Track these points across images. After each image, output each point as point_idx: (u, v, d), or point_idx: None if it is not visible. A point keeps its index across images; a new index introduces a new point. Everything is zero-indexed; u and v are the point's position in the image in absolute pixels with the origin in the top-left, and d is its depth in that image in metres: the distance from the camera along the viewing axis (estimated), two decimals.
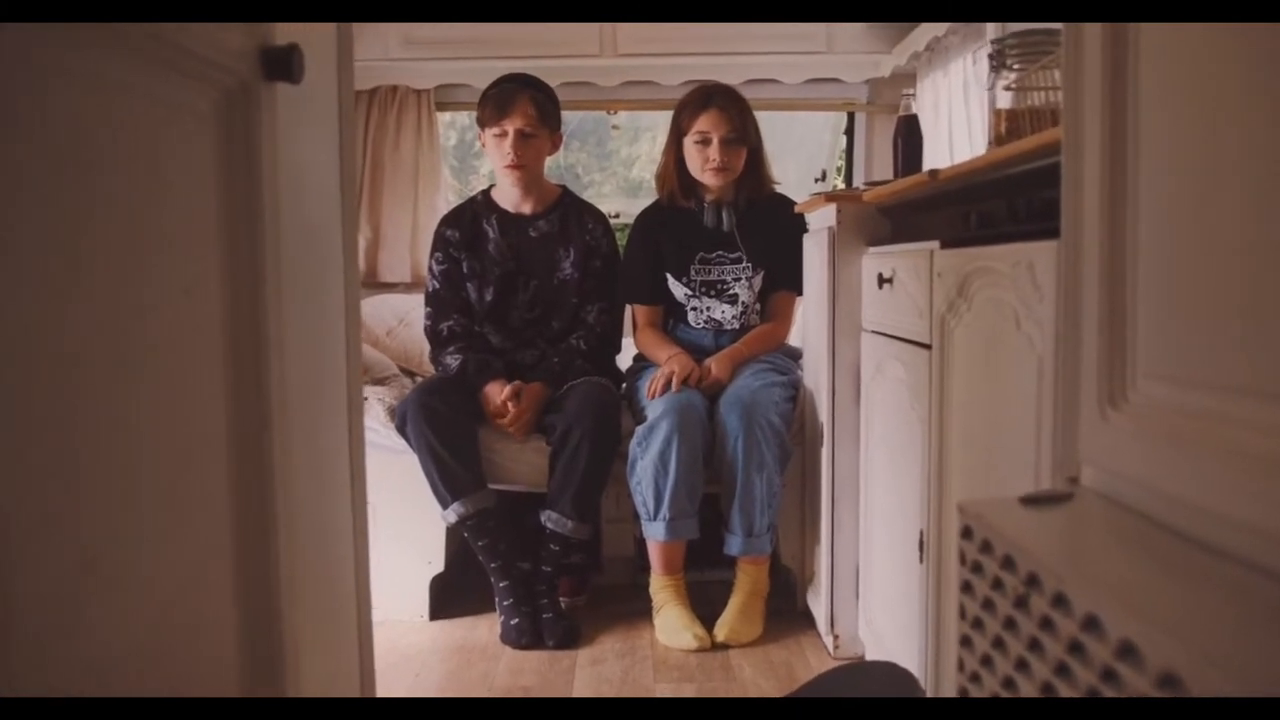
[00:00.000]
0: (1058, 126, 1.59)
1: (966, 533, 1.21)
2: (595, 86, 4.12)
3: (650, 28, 3.89)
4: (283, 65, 1.15)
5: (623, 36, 3.91)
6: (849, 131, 4.39)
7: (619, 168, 6.35)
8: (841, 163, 4.67)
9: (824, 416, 2.56)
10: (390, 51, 3.93)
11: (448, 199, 4.09)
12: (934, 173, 1.85)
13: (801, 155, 4.84)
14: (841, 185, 4.65)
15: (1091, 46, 1.14)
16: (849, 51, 3.97)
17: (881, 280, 2.16)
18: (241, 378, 1.10)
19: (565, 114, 5.40)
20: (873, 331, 2.33)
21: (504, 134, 2.85)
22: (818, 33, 3.93)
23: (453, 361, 2.88)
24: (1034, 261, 1.40)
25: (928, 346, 1.90)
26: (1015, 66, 1.72)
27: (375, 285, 4.16)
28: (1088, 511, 1.18)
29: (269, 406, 1.14)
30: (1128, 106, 1.08)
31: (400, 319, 3.65)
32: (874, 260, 2.31)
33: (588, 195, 5.78)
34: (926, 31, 3.53)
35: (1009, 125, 1.71)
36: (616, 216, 4.90)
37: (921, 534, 1.94)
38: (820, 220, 2.62)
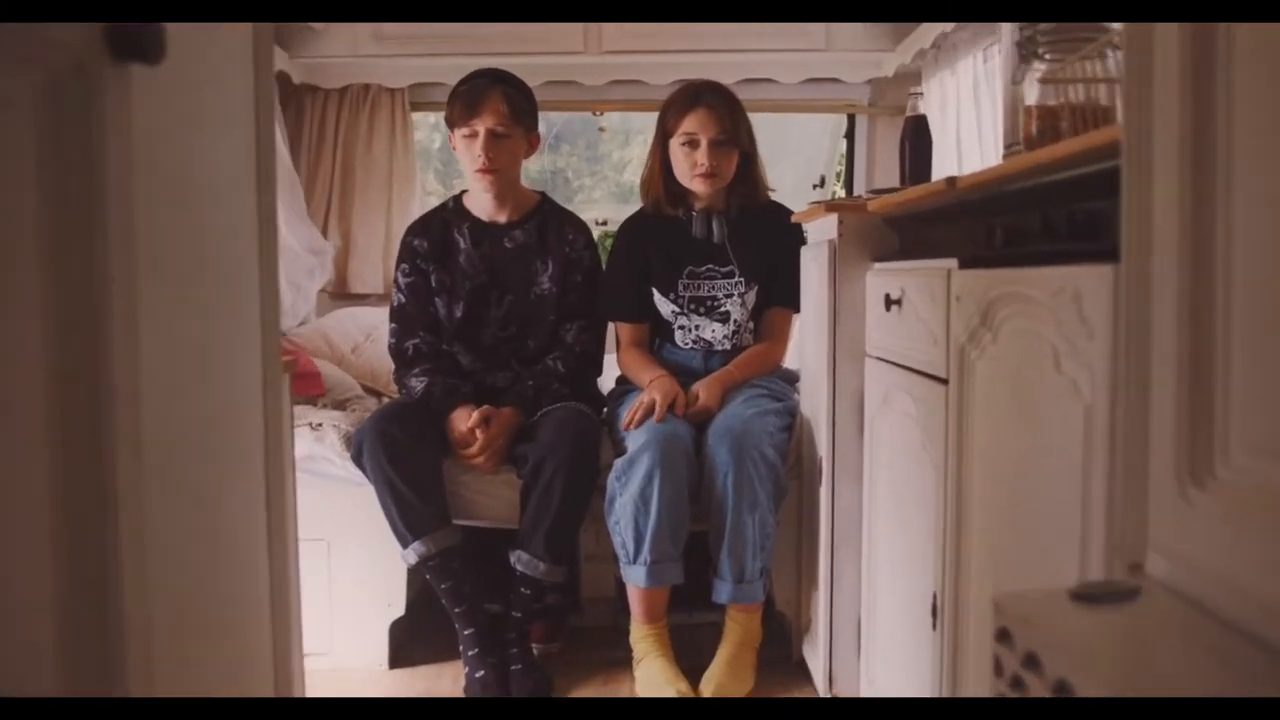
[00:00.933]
0: (1107, 127, 1.35)
1: (1003, 636, 0.97)
2: (580, 86, 3.88)
3: (638, 23, 3.64)
4: (132, 44, 0.90)
5: (608, 33, 3.67)
6: (849, 135, 4.14)
7: (610, 172, 6.08)
8: (841, 168, 4.42)
9: (823, 449, 2.31)
10: (360, 48, 3.69)
11: (424, 205, 3.84)
12: (952, 180, 1.60)
13: (799, 160, 4.59)
14: (841, 193, 4.40)
15: (1166, 40, 0.90)
16: (850, 49, 3.73)
17: (889, 301, 1.91)
18: (72, 426, 0.87)
19: (552, 115, 5.22)
20: (879, 358, 2.08)
21: (474, 134, 2.60)
22: (816, 30, 3.69)
23: (417, 384, 2.63)
24: (1081, 289, 1.15)
25: (943, 381, 1.65)
26: (1048, 57, 1.48)
27: (345, 296, 3.92)
28: (1161, 615, 0.93)
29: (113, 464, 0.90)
30: (1216, 108, 0.85)
31: (368, 334, 3.41)
32: (880, 278, 2.06)
33: (578, 201, 5.56)
34: (933, 28, 3.28)
35: (1041, 125, 1.46)
36: (604, 224, 4.67)
37: (935, 597, 1.69)
38: (820, 232, 2.37)
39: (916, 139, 2.46)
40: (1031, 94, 1.50)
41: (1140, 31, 0.98)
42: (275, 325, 1.40)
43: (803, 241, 2.67)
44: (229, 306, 1.29)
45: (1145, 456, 0.99)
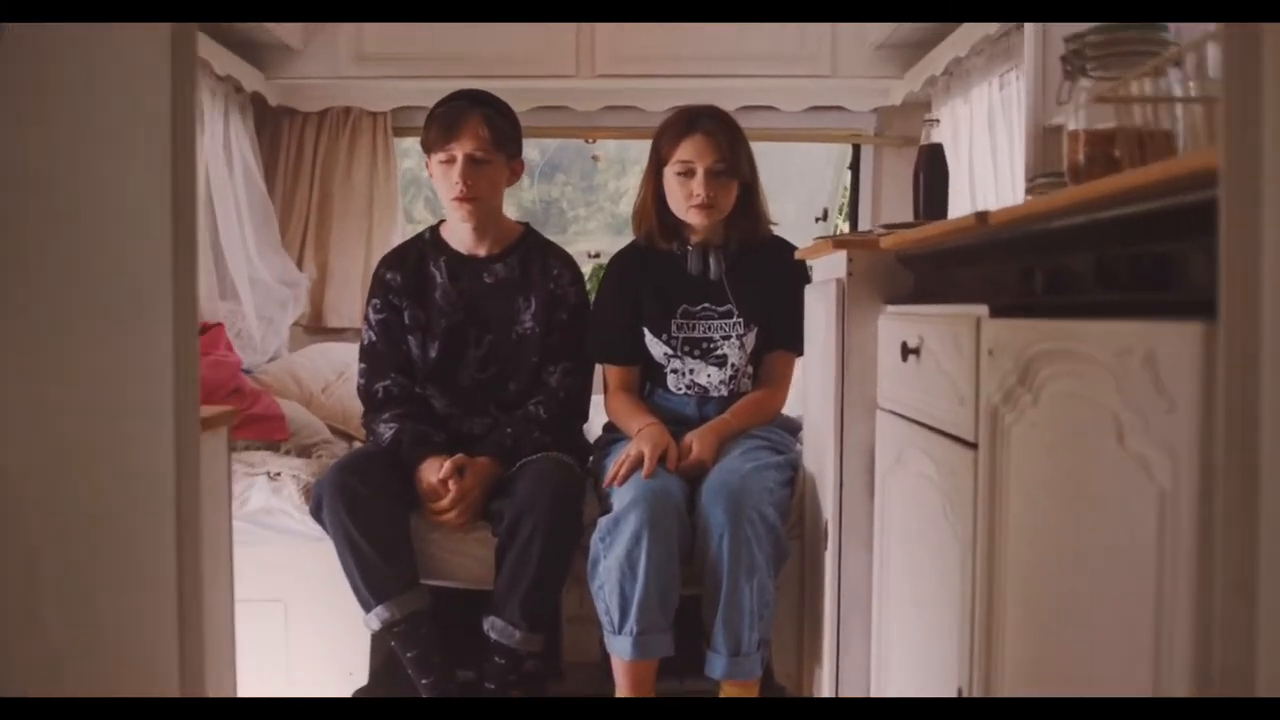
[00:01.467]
0: (1182, 156, 1.14)
1: None
2: (572, 111, 3.69)
3: (633, 44, 3.46)
4: None
5: (602, 55, 3.48)
6: (854, 166, 3.95)
7: (606, 202, 5.88)
8: (846, 201, 4.23)
9: (829, 510, 2.09)
10: (340, 69, 3.50)
11: (409, 235, 3.64)
12: (983, 216, 1.39)
13: (800, 192, 4.39)
14: (845, 227, 4.21)
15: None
16: (856, 76, 3.54)
17: (906, 350, 1.70)
18: None
19: (545, 143, 5.04)
20: (893, 412, 1.86)
21: (451, 160, 2.40)
22: (821, 55, 3.50)
23: (386, 431, 2.41)
24: (1156, 351, 0.94)
25: (971, 445, 1.44)
26: (1097, 74, 1.27)
27: (321, 330, 3.71)
28: None
29: None
30: None
31: (340, 372, 3.19)
32: (895, 323, 1.85)
33: (572, 232, 5.36)
34: (946, 53, 3.09)
35: (1091, 152, 1.26)
36: (597, 256, 4.47)
37: (959, 692, 1.47)
38: (826, 270, 2.17)
39: (932, 169, 2.26)
40: (1078, 117, 1.29)
41: (1245, 35, 0.78)
42: (191, 372, 1.18)
43: (807, 280, 2.48)
44: (126, 358, 1.08)
45: (1254, 569, 0.78)
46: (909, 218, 3.86)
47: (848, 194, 4.08)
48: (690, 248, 2.47)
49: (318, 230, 3.67)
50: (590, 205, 5.74)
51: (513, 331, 2.52)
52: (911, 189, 2.30)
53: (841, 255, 2.00)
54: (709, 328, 2.48)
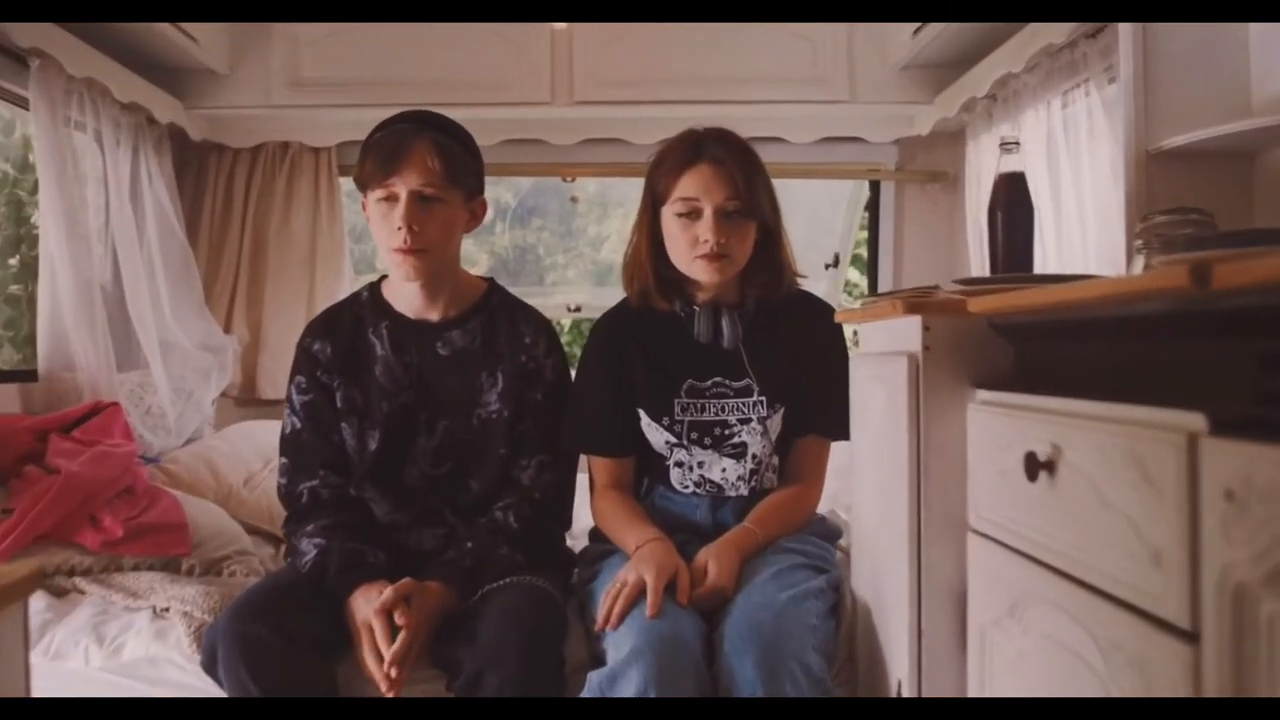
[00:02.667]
0: None
1: None
2: (547, 145, 3.18)
3: (616, 67, 2.98)
4: None
5: (581, 79, 2.98)
6: (872, 206, 3.45)
7: (585, 248, 5.34)
8: (860, 246, 3.73)
9: (901, 664, 1.55)
10: (274, 97, 2.98)
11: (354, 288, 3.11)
12: (1203, 271, 0.87)
13: (807, 234, 3.88)
14: (856, 276, 3.70)
15: None
16: (877, 101, 3.05)
17: (1034, 465, 1.17)
18: None
19: (519, 181, 4.51)
20: (1000, 543, 1.33)
21: (392, 198, 1.87)
22: (837, 77, 3.01)
23: (309, 549, 1.86)
24: None
25: (1185, 633, 0.91)
26: None
27: (255, 403, 3.16)
28: None
29: None
30: None
31: (267, 460, 2.64)
32: (1002, 420, 1.32)
33: (549, 282, 4.83)
34: (992, 70, 2.60)
35: None
36: (578, 310, 3.95)
37: None
38: (889, 338, 1.64)
39: (1013, 206, 1.75)
40: None
41: None
42: None
43: (843, 345, 1.97)
44: None
45: None
46: (935, 266, 3.40)
47: (866, 237, 3.58)
48: (697, 308, 1.95)
49: (250, 285, 3.14)
50: (569, 252, 5.21)
51: (474, 415, 1.98)
52: (987, 230, 1.79)
53: (913, 322, 1.48)
54: (723, 409, 1.95)
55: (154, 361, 2.72)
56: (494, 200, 4.82)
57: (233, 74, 2.99)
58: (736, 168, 1.85)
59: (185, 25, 2.69)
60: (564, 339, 6.66)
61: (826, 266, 3.66)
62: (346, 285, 3.15)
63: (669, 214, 1.88)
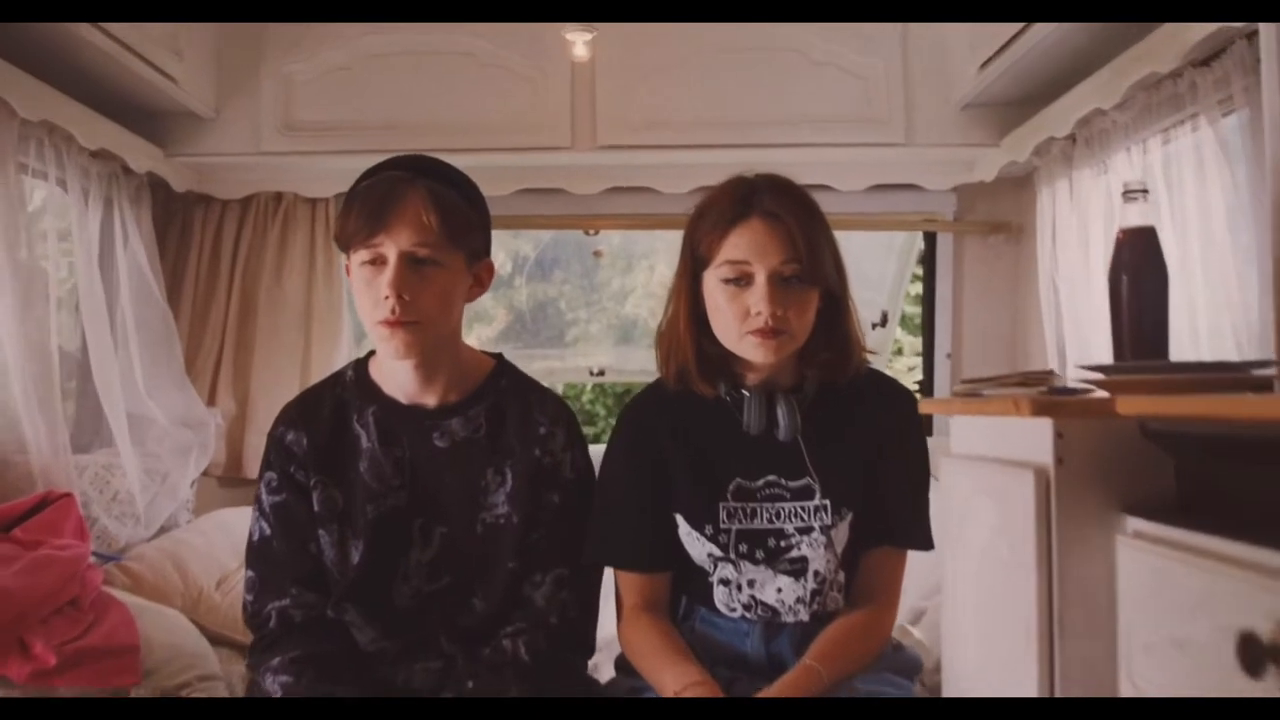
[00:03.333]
0: None
1: None
2: (567, 195, 2.86)
3: (645, 107, 2.68)
4: None
5: (605, 121, 2.67)
6: (927, 259, 3.11)
7: (609, 302, 5.03)
8: (910, 302, 3.39)
9: None
10: (265, 142, 2.68)
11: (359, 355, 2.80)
12: None
13: (852, 290, 3.53)
14: (907, 337, 3.36)
15: None
16: (936, 144, 2.72)
17: (1257, 651, 0.82)
18: None
19: (537, 231, 4.18)
20: None
21: (379, 261, 1.54)
22: (893, 117, 2.69)
23: (274, 685, 1.52)
24: None
25: None
26: None
27: (242, 483, 2.84)
28: None
29: None
30: None
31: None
32: (1176, 566, 0.97)
33: (571, 337, 4.49)
34: (1076, 106, 2.26)
35: None
36: (601, 374, 3.62)
37: None
38: (999, 441, 1.29)
39: (1144, 269, 1.40)
40: None
41: None
42: None
43: (923, 439, 1.62)
44: None
45: None
46: (998, 328, 3.02)
47: (921, 294, 3.24)
48: (747, 393, 1.60)
49: (237, 352, 2.82)
50: (592, 306, 4.90)
51: (478, 521, 1.64)
52: (1109, 299, 1.43)
53: (1040, 426, 1.13)
54: (778, 515, 1.60)
55: (122, 440, 2.40)
56: (512, 252, 4.52)
57: (218, 117, 2.69)
58: (796, 224, 1.52)
59: (162, 63, 2.40)
60: (586, 401, 6.34)
61: (873, 326, 3.32)
62: (345, 353, 2.83)
63: (713, 280, 1.54)
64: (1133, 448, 1.10)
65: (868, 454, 1.61)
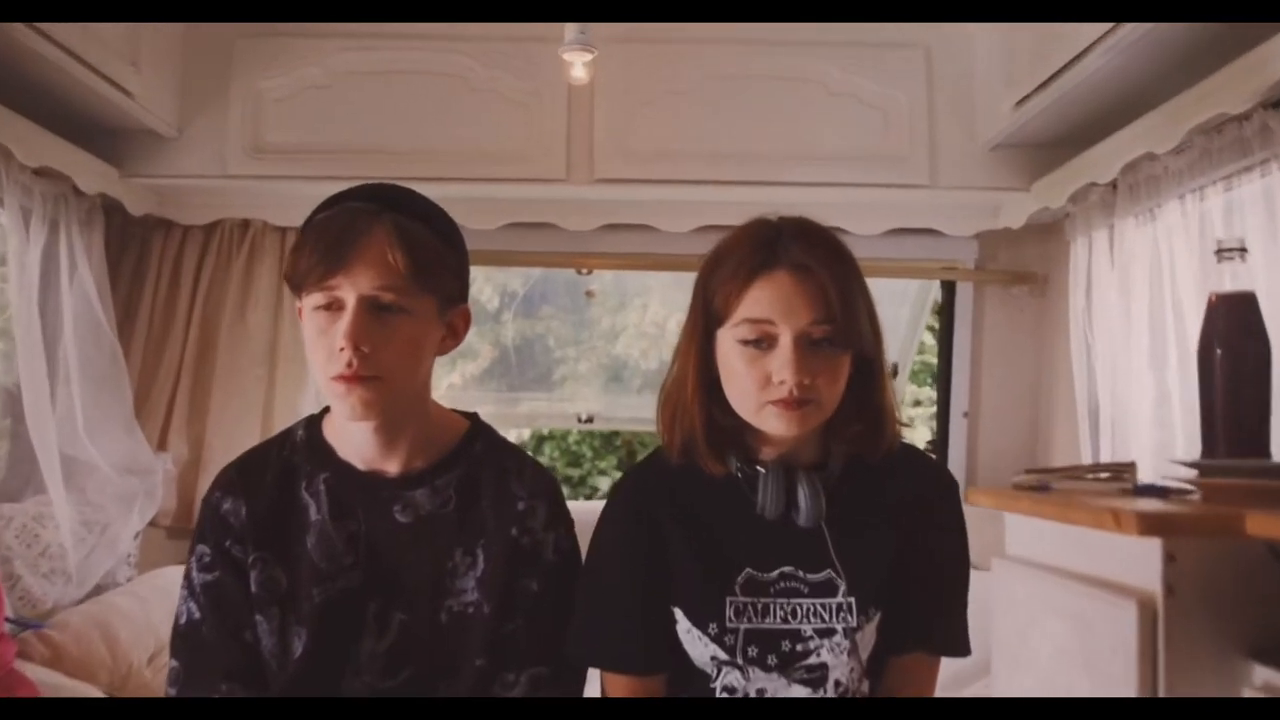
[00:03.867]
0: None
1: None
2: (559, 231, 2.64)
3: (647, 138, 2.47)
4: None
5: (604, 152, 2.46)
6: (945, 310, 2.89)
7: (599, 341, 4.80)
8: (925, 355, 3.17)
9: None
10: (228, 165, 2.45)
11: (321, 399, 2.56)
12: None
13: None
14: (920, 391, 3.14)
15: None
16: (962, 186, 2.51)
17: None
18: None
19: (531, 271, 3.93)
20: None
21: (335, 306, 1.31)
22: (915, 155, 2.48)
23: None
24: None
25: None
26: None
27: (190, 533, 2.57)
28: None
29: None
30: None
31: None
32: None
33: (558, 377, 4.27)
34: (1124, 149, 2.05)
35: None
36: (589, 421, 3.39)
37: None
38: (1077, 552, 1.06)
39: (1241, 341, 1.18)
40: None
41: None
42: None
43: (963, 529, 1.39)
44: None
45: None
46: (1019, 385, 2.79)
47: (937, 347, 3.02)
48: (763, 470, 1.36)
49: (193, 392, 2.58)
50: (581, 345, 4.68)
51: (443, 608, 1.40)
52: (1198, 376, 1.21)
53: (1148, 546, 0.90)
54: (794, 613, 1.36)
55: (54, 487, 2.16)
56: (499, 286, 4.30)
57: (181, 136, 2.47)
58: (830, 278, 1.29)
59: (117, 75, 2.18)
60: (573, 441, 6.07)
61: None
62: (312, 396, 2.60)
63: (729, 340, 1.31)
64: (1262, 576, 0.87)
65: (901, 544, 1.37)
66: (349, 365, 1.29)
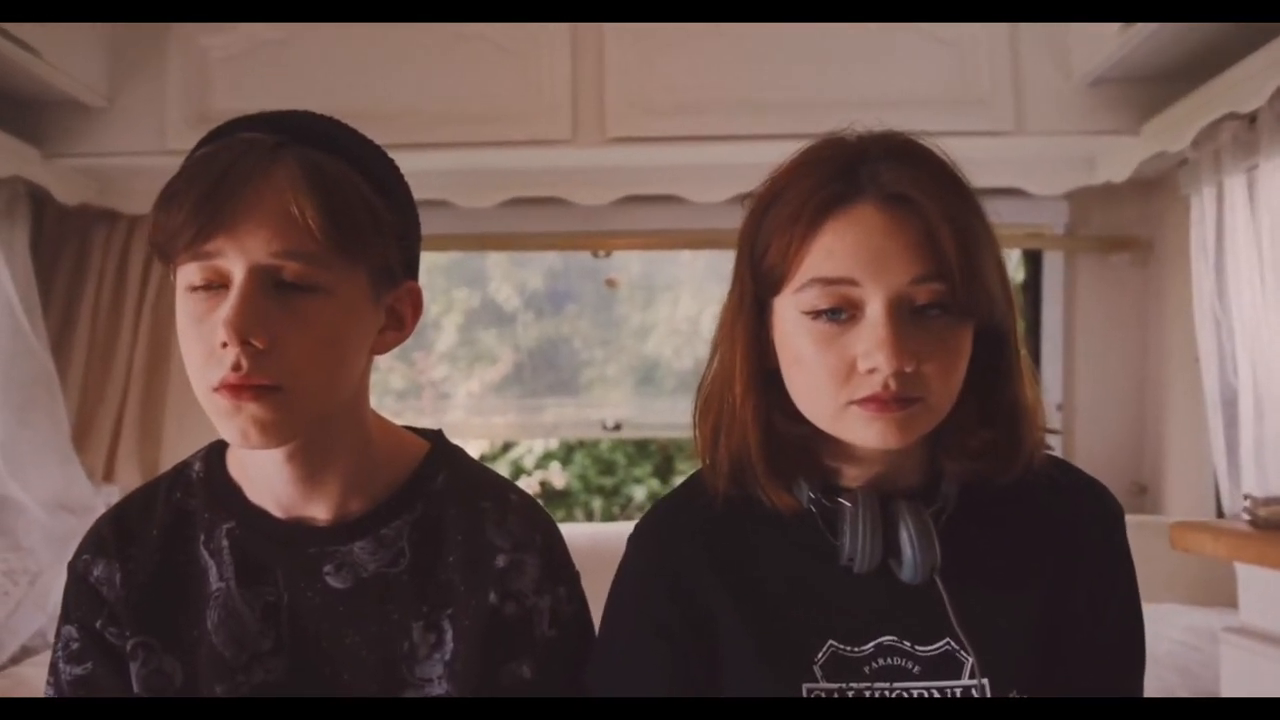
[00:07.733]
0: None
1: None
2: (569, 206, 2.24)
3: (667, 84, 2.06)
4: None
5: (616, 103, 2.06)
6: (1032, 284, 2.48)
7: (629, 340, 4.46)
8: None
9: None
10: (169, 139, 2.08)
11: None
12: None
13: None
14: None
15: None
16: (1054, 132, 2.07)
17: None
18: None
19: (549, 257, 3.54)
20: None
21: (215, 284, 0.90)
22: (997, 97, 2.05)
23: None
24: None
25: None
26: None
27: None
28: None
29: None
30: None
31: None
32: None
33: (585, 381, 3.91)
34: (1271, 70, 1.61)
35: None
36: (618, 428, 2.99)
37: None
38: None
39: None
40: None
41: None
42: None
43: (1134, 580, 0.97)
44: None
45: None
46: (1123, 373, 2.38)
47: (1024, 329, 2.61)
48: (848, 502, 0.94)
49: (144, 411, 2.23)
50: (609, 345, 4.33)
51: (396, 698, 1.00)
52: None
53: None
54: (899, 698, 0.95)
55: None
56: (519, 284, 3.97)
57: (112, 106, 2.09)
58: (940, 214, 0.88)
59: (24, 33, 1.79)
60: (605, 448, 5.65)
61: None
62: None
63: (791, 311, 0.89)
64: None
65: (1049, 602, 0.95)
66: (235, 369, 0.88)
